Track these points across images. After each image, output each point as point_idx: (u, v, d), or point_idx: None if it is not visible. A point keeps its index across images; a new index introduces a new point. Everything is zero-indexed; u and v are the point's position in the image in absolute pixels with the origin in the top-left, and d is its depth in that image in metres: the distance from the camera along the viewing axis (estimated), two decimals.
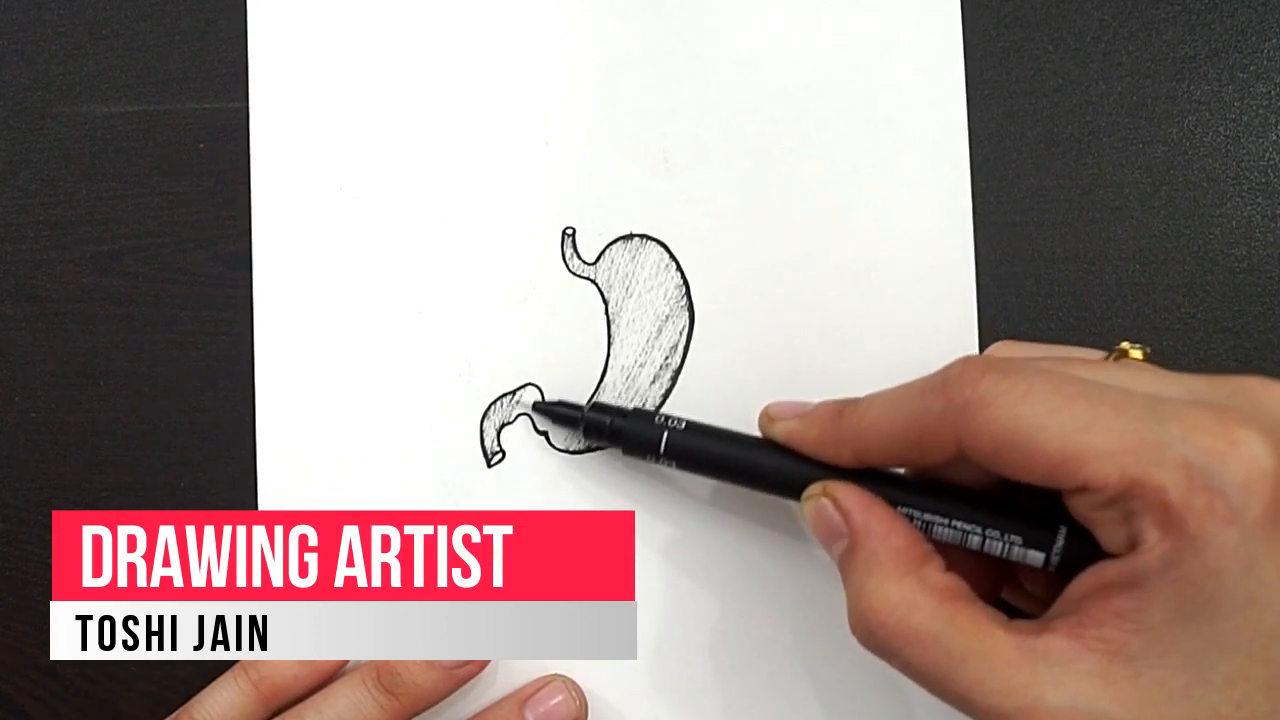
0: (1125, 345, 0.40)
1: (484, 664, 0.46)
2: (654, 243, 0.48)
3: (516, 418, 0.48)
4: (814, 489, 0.40)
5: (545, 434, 0.48)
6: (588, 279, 0.48)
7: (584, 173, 0.48)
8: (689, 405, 0.47)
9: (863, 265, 0.47)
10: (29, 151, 0.50)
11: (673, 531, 0.47)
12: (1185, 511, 0.31)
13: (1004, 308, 0.47)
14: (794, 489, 0.41)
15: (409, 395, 0.48)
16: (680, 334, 0.48)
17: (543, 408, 0.47)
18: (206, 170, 0.50)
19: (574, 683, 0.47)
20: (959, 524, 0.38)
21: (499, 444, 0.48)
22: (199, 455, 0.49)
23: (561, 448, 0.48)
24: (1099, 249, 0.48)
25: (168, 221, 0.50)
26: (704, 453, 0.43)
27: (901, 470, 0.41)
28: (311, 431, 0.48)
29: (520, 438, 0.48)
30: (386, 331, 0.48)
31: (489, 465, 0.48)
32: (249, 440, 0.48)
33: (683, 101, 0.48)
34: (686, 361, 0.48)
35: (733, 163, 0.48)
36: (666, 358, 0.48)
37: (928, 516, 0.39)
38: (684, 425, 0.43)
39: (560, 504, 0.48)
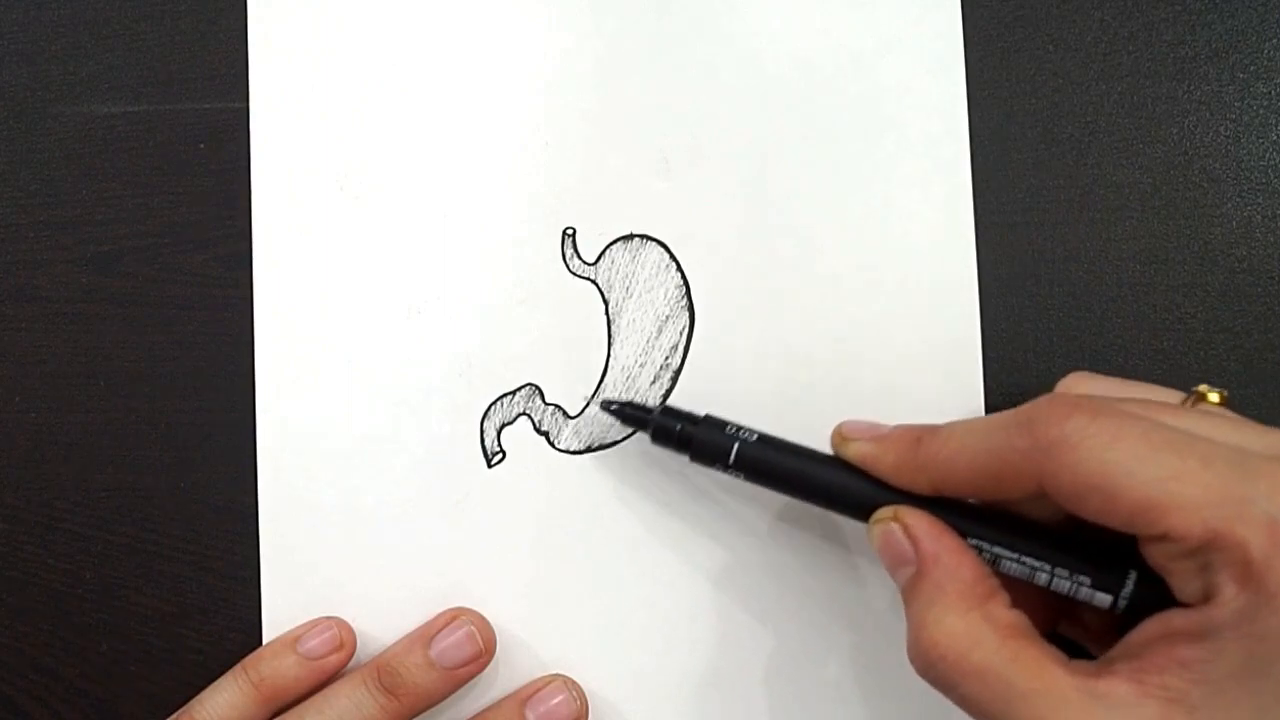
0: (1203, 389, 0.40)
1: (485, 664, 0.46)
2: (654, 243, 0.48)
3: (516, 418, 0.48)
4: (884, 513, 0.39)
5: (546, 434, 0.48)
6: (588, 279, 0.48)
7: (584, 173, 0.48)
8: (689, 405, 0.47)
9: (864, 265, 0.47)
10: (29, 151, 0.50)
11: (676, 531, 0.47)
12: (1265, 570, 0.31)
13: (1004, 308, 0.47)
14: (863, 511, 0.41)
15: (409, 395, 0.48)
16: (680, 334, 0.48)
17: (611, 407, 0.46)
18: (206, 170, 0.50)
19: (575, 682, 0.47)
20: (1028, 560, 0.38)
21: (499, 444, 0.48)
22: (199, 455, 0.49)
23: (562, 448, 0.48)
24: (1099, 249, 0.48)
25: (168, 221, 0.50)
26: (774, 466, 0.42)
27: (973, 500, 0.40)
28: (311, 431, 0.48)
29: (521, 438, 0.48)
30: (386, 332, 0.48)
31: (489, 465, 0.48)
32: (249, 440, 0.48)
33: (683, 102, 0.48)
34: (687, 362, 0.48)
35: (733, 163, 0.48)
36: (667, 358, 0.48)
37: (997, 550, 0.38)
38: (755, 437, 0.43)
39: (560, 505, 0.48)
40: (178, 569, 0.49)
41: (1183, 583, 0.34)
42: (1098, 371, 0.46)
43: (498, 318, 0.48)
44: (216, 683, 0.46)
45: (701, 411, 0.44)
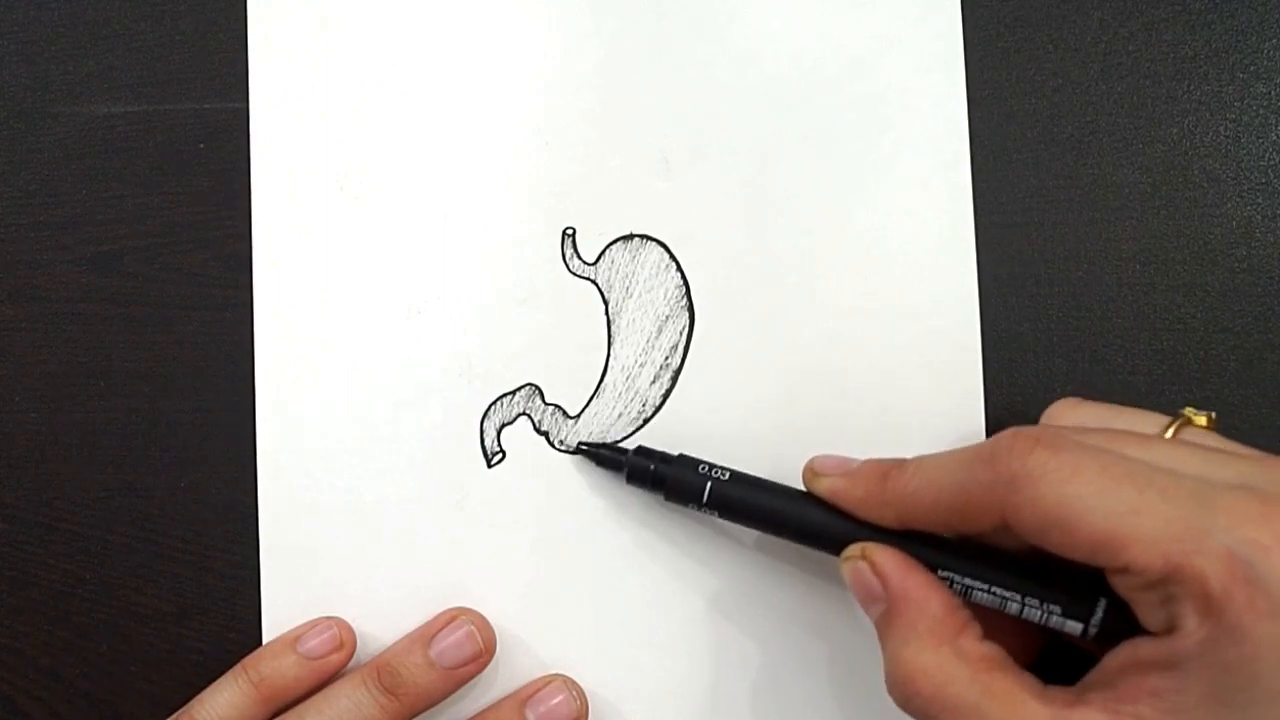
0: (1189, 412, 0.40)
1: (485, 664, 0.46)
2: (654, 243, 0.48)
3: (516, 418, 0.48)
4: (853, 550, 0.40)
5: (545, 434, 0.48)
6: (588, 279, 0.48)
7: (584, 173, 0.48)
8: (689, 406, 0.47)
9: (864, 265, 0.47)
10: (29, 151, 0.50)
11: (675, 531, 0.47)
12: (1225, 601, 0.32)
13: (1004, 308, 0.47)
14: (835, 545, 0.41)
15: (409, 395, 0.48)
16: (680, 334, 0.48)
17: (587, 450, 0.47)
18: (206, 170, 0.50)
19: (575, 682, 0.47)
20: (998, 590, 0.38)
21: (499, 444, 0.48)
22: (199, 455, 0.49)
23: (562, 448, 0.48)
24: (1099, 249, 0.48)
25: (168, 221, 0.50)
26: (747, 504, 0.43)
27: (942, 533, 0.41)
28: (311, 431, 0.48)
29: (520, 438, 0.48)
30: (386, 332, 0.48)
31: (489, 465, 0.48)
32: (249, 440, 0.48)
33: (683, 101, 0.48)
34: (687, 362, 0.48)
35: (733, 163, 0.48)
36: (667, 358, 0.48)
37: (968, 581, 0.39)
38: (728, 475, 0.43)
39: (560, 505, 0.48)
40: (178, 569, 0.49)
41: (1148, 612, 0.34)
42: (1097, 373, 0.46)
43: (498, 318, 0.48)
44: (216, 683, 0.46)
45: (701, 413, 0.44)
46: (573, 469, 0.48)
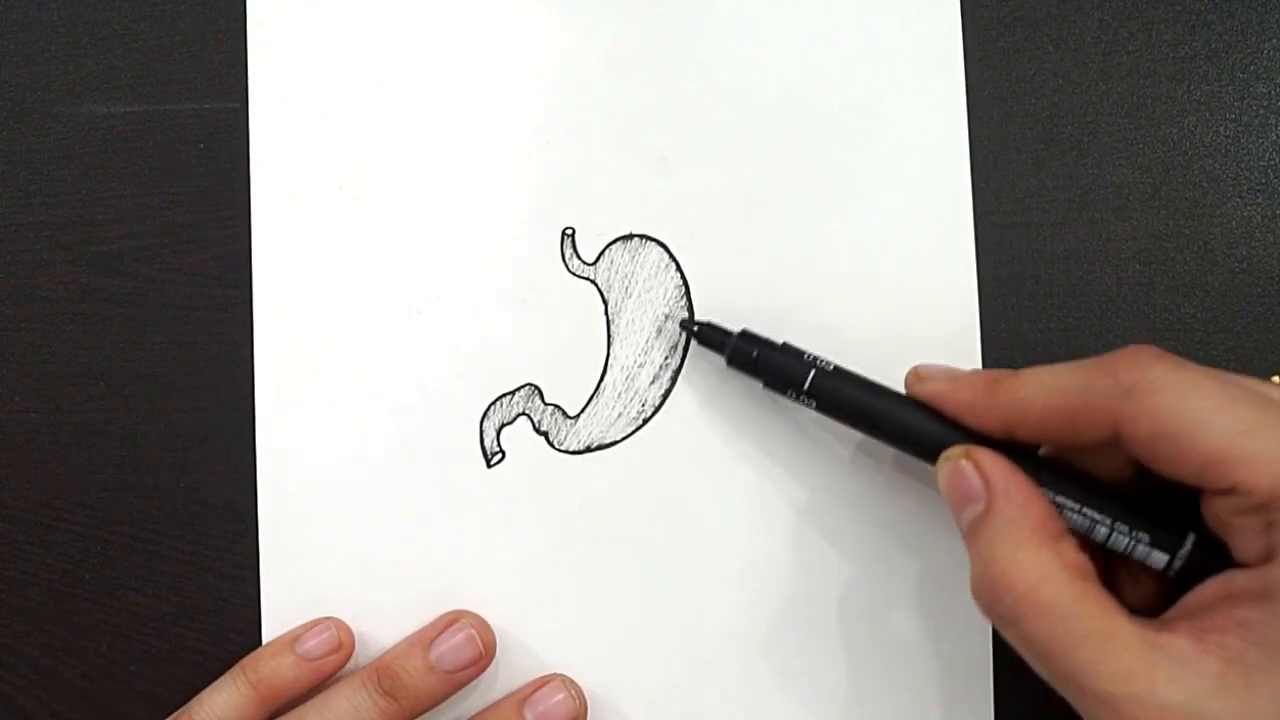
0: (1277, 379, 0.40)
1: (484, 667, 0.46)
2: (654, 243, 0.48)
3: (516, 418, 0.48)
4: (955, 450, 0.39)
5: (545, 434, 0.48)
6: (587, 279, 0.48)
7: (583, 173, 0.48)
8: (689, 406, 0.47)
9: (863, 266, 0.47)
10: (29, 151, 0.50)
11: (674, 531, 0.47)
12: None
13: (1004, 308, 0.47)
14: (930, 449, 0.41)
15: (408, 395, 0.48)
16: (680, 334, 0.48)
17: (689, 326, 0.46)
18: (206, 170, 0.50)
19: (573, 682, 0.47)
20: (1090, 512, 0.38)
21: (499, 444, 0.48)
22: (199, 455, 0.49)
23: (562, 449, 0.48)
24: (1099, 249, 0.48)
25: (168, 221, 0.50)
26: (847, 399, 0.43)
27: (1040, 452, 0.41)
28: (311, 431, 0.48)
29: (520, 438, 0.48)
30: (386, 331, 0.48)
31: (488, 466, 0.48)
32: (249, 440, 0.48)
33: (682, 102, 0.48)
34: (686, 362, 0.48)
35: (732, 163, 0.48)
36: (666, 358, 0.48)
37: (1060, 499, 0.38)
38: (832, 368, 0.43)
39: (559, 505, 0.48)
40: (178, 569, 0.49)
41: (1245, 541, 0.34)
42: None
43: (497, 318, 0.48)
44: (215, 683, 0.46)
45: (699, 414, 0.44)
46: (572, 469, 0.48)
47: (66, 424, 0.50)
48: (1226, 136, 0.47)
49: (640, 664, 0.47)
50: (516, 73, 0.49)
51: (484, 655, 0.46)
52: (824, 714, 0.47)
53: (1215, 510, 0.35)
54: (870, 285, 0.47)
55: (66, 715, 0.49)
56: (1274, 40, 0.48)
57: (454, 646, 0.46)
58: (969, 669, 0.46)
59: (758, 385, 0.45)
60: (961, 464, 0.39)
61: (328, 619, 0.47)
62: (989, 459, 0.38)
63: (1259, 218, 0.47)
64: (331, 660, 0.46)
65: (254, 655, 0.47)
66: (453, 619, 0.46)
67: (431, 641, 0.46)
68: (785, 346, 0.44)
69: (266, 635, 0.48)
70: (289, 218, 0.49)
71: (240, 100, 0.50)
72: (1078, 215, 0.48)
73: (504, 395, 0.48)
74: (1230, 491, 0.33)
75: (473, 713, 0.47)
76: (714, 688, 0.47)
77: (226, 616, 0.49)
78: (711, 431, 0.47)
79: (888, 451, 0.45)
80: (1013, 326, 0.47)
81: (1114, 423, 0.35)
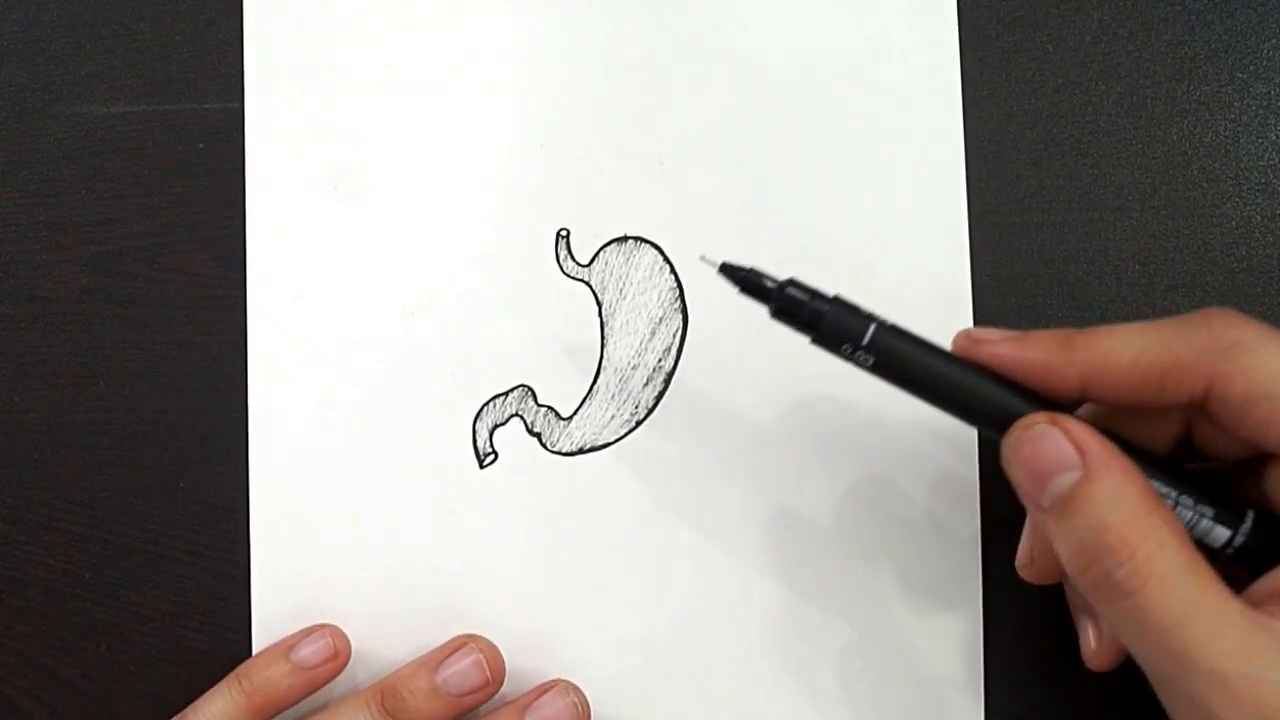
0: None
1: (491, 694, 0.46)
2: (648, 245, 0.48)
3: (509, 419, 0.48)
4: (1037, 417, 0.36)
5: (538, 436, 0.48)
6: (582, 281, 0.48)
7: (578, 174, 0.48)
8: (683, 408, 0.47)
9: (858, 267, 0.47)
10: (29, 151, 0.50)
11: (668, 533, 0.47)
12: None
13: (1003, 308, 0.47)
14: (996, 418, 0.38)
15: (402, 396, 0.48)
16: (674, 337, 0.48)
17: (736, 274, 0.40)
18: (206, 170, 0.50)
19: (576, 688, 0.46)
20: (1156, 483, 0.36)
21: (491, 445, 0.48)
22: (199, 455, 0.49)
23: (555, 450, 0.48)
24: (1099, 249, 0.47)
25: (168, 221, 0.50)
26: (909, 358, 0.39)
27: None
28: (303, 432, 0.48)
29: (513, 439, 0.48)
30: (380, 332, 0.48)
31: (481, 466, 0.48)
32: (248, 441, 0.48)
33: (678, 103, 0.48)
34: (680, 364, 0.48)
35: (728, 164, 0.48)
36: (660, 360, 0.48)
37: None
38: (890, 325, 0.39)
39: (552, 506, 0.48)
40: (177, 569, 0.49)
41: None
42: None
43: (491, 319, 0.48)
44: (210, 692, 0.46)
45: (696, 415, 0.43)
46: (565, 470, 0.48)
47: (66, 424, 0.50)
48: (1226, 136, 0.47)
49: (632, 666, 0.47)
50: (512, 73, 0.49)
51: (491, 682, 0.45)
52: (822, 713, 0.47)
53: None
54: (865, 287, 0.47)
55: (66, 715, 0.49)
56: (1274, 40, 0.47)
57: (461, 670, 0.45)
58: (961, 672, 0.46)
59: (754, 386, 0.44)
60: (1049, 430, 0.36)
61: (323, 626, 0.47)
62: (1077, 424, 0.35)
63: (1259, 218, 0.47)
64: (327, 669, 0.46)
65: (248, 664, 0.46)
66: (461, 643, 0.46)
67: (439, 664, 0.45)
68: (838, 299, 0.39)
69: (256, 637, 0.48)
70: (283, 218, 0.49)
71: (240, 100, 0.50)
72: (1077, 215, 0.48)
73: (497, 396, 0.48)
74: None
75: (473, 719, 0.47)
76: (708, 688, 0.47)
77: (226, 616, 0.49)
78: (705, 434, 0.47)
79: (885, 452, 0.45)
80: (1011, 326, 0.47)
81: (1208, 381, 0.34)
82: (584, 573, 0.48)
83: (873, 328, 0.38)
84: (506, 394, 0.48)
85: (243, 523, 0.48)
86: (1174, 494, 0.36)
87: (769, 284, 0.40)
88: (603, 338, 0.48)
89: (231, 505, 0.49)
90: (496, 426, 0.48)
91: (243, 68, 0.50)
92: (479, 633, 0.47)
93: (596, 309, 0.48)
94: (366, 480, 0.48)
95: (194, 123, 0.50)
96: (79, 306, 0.50)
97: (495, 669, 0.46)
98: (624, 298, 0.48)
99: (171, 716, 0.46)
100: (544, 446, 0.48)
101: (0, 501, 0.50)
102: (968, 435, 0.47)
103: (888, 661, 0.47)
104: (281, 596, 0.48)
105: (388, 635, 0.47)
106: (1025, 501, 0.37)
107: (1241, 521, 0.36)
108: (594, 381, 0.48)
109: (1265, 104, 0.47)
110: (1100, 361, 0.36)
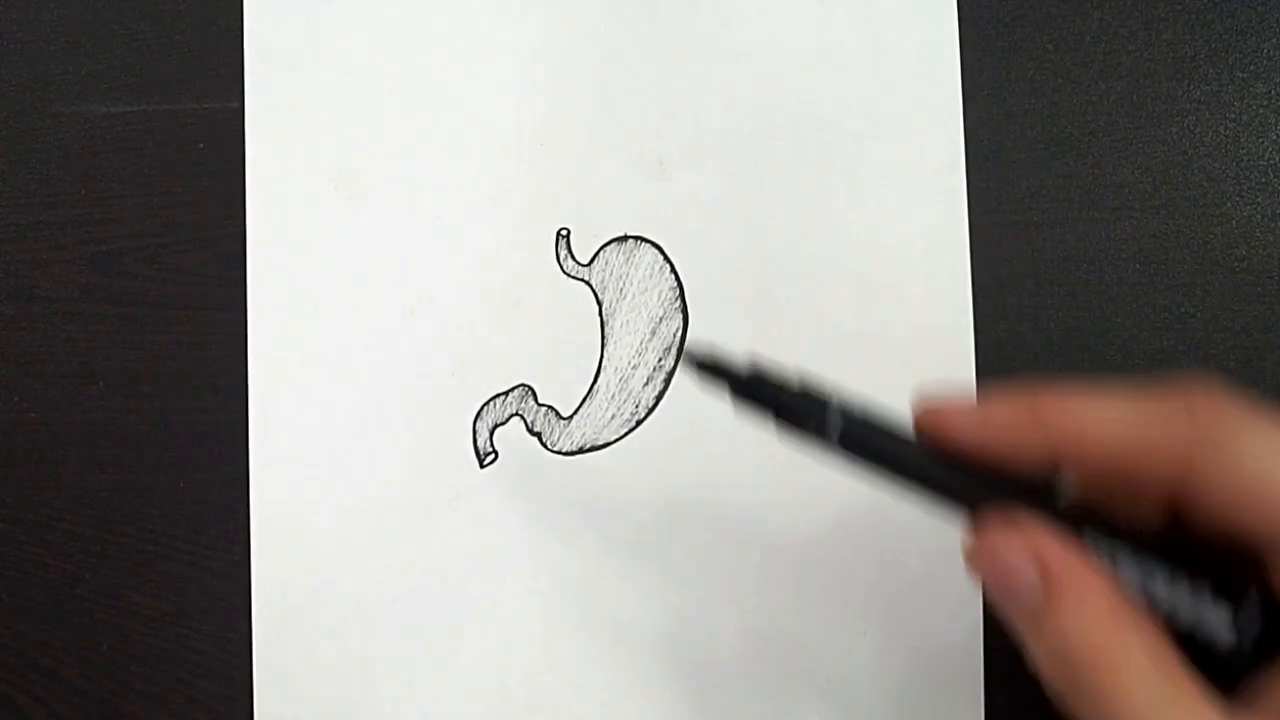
0: None
1: None
2: (648, 245, 0.48)
3: (509, 418, 0.48)
4: (995, 524, 0.33)
5: (538, 435, 0.48)
6: (582, 280, 0.48)
7: (579, 174, 0.48)
8: (682, 408, 0.47)
9: (858, 267, 0.47)
10: (29, 151, 0.50)
11: (668, 532, 0.47)
12: None
13: (1003, 308, 0.47)
14: (960, 500, 0.34)
15: (402, 395, 0.48)
16: (674, 336, 0.48)
17: (696, 358, 0.37)
18: (206, 170, 0.50)
19: None
20: (1147, 558, 0.33)
21: (492, 444, 0.48)
22: (199, 455, 0.49)
23: (555, 449, 0.48)
24: (1099, 249, 0.47)
25: (168, 221, 0.50)
26: (871, 446, 0.35)
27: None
28: (303, 432, 0.48)
29: (513, 439, 0.48)
30: (380, 332, 0.48)
31: (481, 466, 0.48)
32: (248, 441, 0.48)
33: (678, 103, 0.48)
34: (680, 364, 0.48)
35: (728, 165, 0.48)
36: (660, 360, 0.48)
37: (1116, 543, 0.33)
38: (852, 407, 0.35)
39: (552, 506, 0.48)
40: (177, 569, 0.49)
41: None
42: (1097, 373, 0.46)
43: (491, 318, 0.48)
44: None
45: (695, 415, 0.43)
46: (565, 470, 0.48)
47: (66, 424, 0.50)
48: (1226, 136, 0.47)
49: (632, 665, 0.47)
50: (512, 73, 0.49)
51: None
52: (822, 712, 0.47)
53: None
54: (864, 287, 0.47)
55: (66, 715, 0.49)
56: (1274, 40, 0.47)
57: None
58: (961, 672, 0.46)
59: None
60: (1008, 541, 0.33)
61: None
62: (1038, 531, 0.32)
63: (1259, 218, 0.47)
64: None
65: None
66: None
67: None
68: (804, 383, 0.36)
69: (257, 635, 0.48)
70: (283, 218, 0.49)
71: (240, 100, 0.50)
72: (1078, 215, 0.48)
73: (497, 396, 0.48)
74: None
75: None
76: (707, 687, 0.47)
77: (226, 616, 0.49)
78: (705, 433, 0.47)
79: None
80: (1012, 326, 0.47)
81: (1185, 473, 0.32)
82: (584, 571, 0.48)
83: (832, 412, 0.35)
84: (507, 394, 0.48)
85: (243, 523, 0.48)
86: (1162, 581, 0.32)
87: (730, 367, 0.37)
88: (603, 337, 0.48)
89: (231, 505, 0.49)
90: (497, 426, 0.48)
91: (243, 68, 0.50)
92: (479, 632, 0.47)
93: (597, 309, 0.48)
94: (366, 480, 0.48)
95: (194, 123, 0.50)
96: (79, 306, 0.50)
97: None
98: (624, 297, 0.48)
99: (171, 716, 0.46)
100: (544, 446, 0.48)
101: (0, 502, 0.50)
102: None
103: (888, 661, 0.47)
104: (281, 596, 0.48)
105: (387, 633, 0.47)
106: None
107: (1240, 609, 0.32)
108: (594, 381, 0.48)
109: (1265, 104, 0.47)
110: (1071, 437, 0.33)
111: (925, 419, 0.35)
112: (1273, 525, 0.31)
